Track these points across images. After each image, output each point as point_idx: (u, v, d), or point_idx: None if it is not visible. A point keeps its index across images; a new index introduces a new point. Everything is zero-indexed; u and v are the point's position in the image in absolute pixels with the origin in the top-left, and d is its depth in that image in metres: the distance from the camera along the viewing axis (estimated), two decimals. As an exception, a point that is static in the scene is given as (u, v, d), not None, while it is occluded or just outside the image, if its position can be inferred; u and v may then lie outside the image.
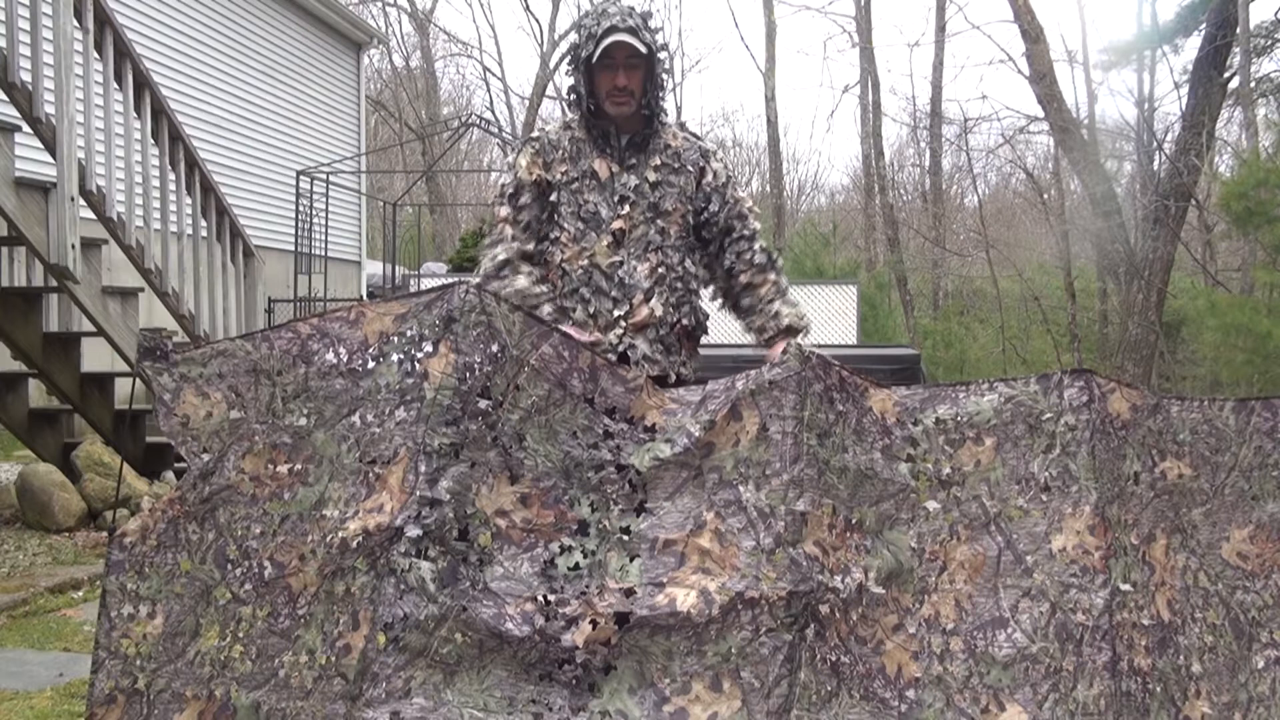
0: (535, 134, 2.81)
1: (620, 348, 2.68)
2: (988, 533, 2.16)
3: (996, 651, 2.10)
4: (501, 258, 2.70)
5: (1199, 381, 11.49)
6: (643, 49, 2.62)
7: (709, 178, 2.78)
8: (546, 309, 2.63)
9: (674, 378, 2.74)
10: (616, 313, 2.69)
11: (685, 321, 2.78)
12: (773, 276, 2.77)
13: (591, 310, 2.69)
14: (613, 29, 2.59)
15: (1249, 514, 2.32)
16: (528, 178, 2.72)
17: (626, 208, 2.70)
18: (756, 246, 2.78)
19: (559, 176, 2.71)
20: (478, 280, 2.57)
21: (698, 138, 2.84)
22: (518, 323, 2.17)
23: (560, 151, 2.73)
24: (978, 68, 45.87)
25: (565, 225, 2.71)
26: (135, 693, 2.07)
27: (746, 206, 2.81)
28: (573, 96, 2.74)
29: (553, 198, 2.72)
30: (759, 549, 2.08)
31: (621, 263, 2.69)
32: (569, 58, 2.80)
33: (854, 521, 2.15)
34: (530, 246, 2.73)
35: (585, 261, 2.69)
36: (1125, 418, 2.23)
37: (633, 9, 2.66)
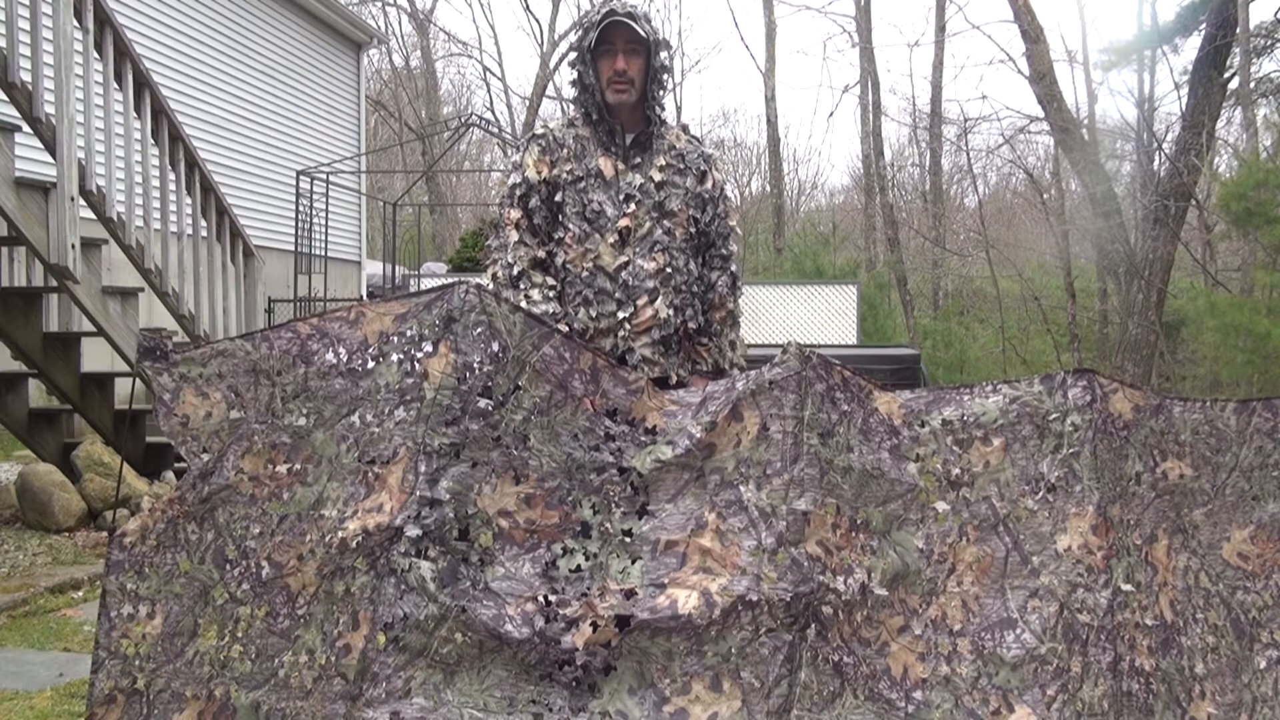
0: (539, 130, 2.79)
1: (620, 350, 2.68)
2: (996, 534, 2.15)
3: (1005, 653, 2.09)
4: (516, 269, 2.69)
5: (1199, 381, 11.47)
6: (641, 34, 2.66)
7: (708, 184, 2.80)
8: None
9: (674, 379, 2.74)
10: (620, 315, 2.68)
11: (690, 324, 2.78)
12: (731, 305, 2.87)
13: (594, 314, 2.69)
14: (611, 13, 2.65)
15: (1249, 514, 2.31)
16: (536, 177, 2.71)
17: (632, 206, 2.69)
18: (730, 269, 2.86)
19: (564, 175, 2.71)
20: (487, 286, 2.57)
21: (700, 141, 2.85)
22: (518, 323, 2.17)
23: (565, 149, 2.72)
24: (978, 68, 45.89)
25: (570, 225, 2.70)
26: (135, 693, 2.07)
27: (730, 225, 2.86)
28: (576, 90, 2.75)
29: (557, 197, 2.71)
30: (760, 549, 2.07)
31: (628, 263, 2.68)
32: (572, 57, 2.81)
33: (859, 521, 2.14)
34: (542, 253, 2.72)
35: (590, 264, 2.68)
36: (1127, 418, 2.22)
37: (634, 7, 2.69)
